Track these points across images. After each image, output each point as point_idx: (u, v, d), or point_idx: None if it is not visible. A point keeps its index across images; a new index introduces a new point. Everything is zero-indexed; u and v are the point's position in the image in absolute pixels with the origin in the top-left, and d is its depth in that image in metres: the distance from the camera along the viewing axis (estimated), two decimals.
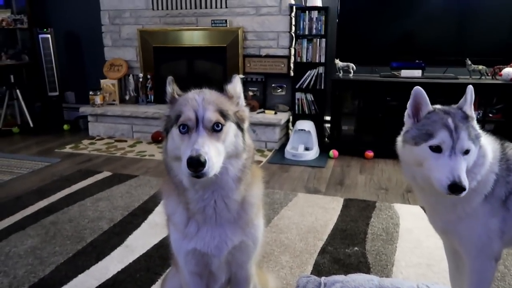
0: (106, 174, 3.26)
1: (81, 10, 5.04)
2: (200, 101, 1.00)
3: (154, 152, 3.92)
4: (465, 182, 1.08)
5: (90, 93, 4.58)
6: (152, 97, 4.66)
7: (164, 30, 4.50)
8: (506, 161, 1.22)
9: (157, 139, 4.24)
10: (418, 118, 1.21)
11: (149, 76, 4.61)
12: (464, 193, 1.09)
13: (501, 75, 3.48)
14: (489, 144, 1.21)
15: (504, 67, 3.48)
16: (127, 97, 4.77)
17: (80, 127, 4.96)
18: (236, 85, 1.11)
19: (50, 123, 4.94)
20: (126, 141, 4.37)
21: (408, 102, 1.22)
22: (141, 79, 4.63)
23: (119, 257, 2.03)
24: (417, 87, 1.21)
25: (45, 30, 4.73)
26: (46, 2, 5.19)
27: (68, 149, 4.05)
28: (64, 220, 2.42)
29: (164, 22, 4.54)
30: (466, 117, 1.16)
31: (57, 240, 2.19)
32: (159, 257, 2.01)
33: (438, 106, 1.21)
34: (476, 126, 1.18)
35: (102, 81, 4.71)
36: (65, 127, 4.91)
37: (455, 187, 1.08)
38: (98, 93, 4.59)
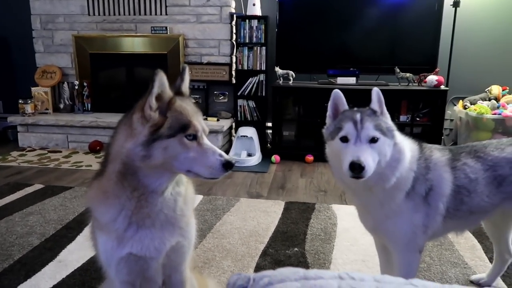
0: (37, 186, 3.07)
1: (10, 13, 4.73)
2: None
3: (91, 162, 3.75)
4: (366, 162, 1.15)
5: (20, 101, 4.30)
6: (89, 105, 4.48)
7: (101, 36, 4.35)
8: (424, 160, 1.33)
9: (95, 148, 4.07)
10: (337, 117, 1.30)
11: (85, 84, 4.42)
12: (365, 174, 1.15)
13: (426, 82, 3.76)
14: (407, 143, 1.30)
15: (429, 75, 3.77)
16: (61, 106, 4.53)
17: (9, 138, 4.62)
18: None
19: None
20: (60, 151, 4.15)
21: (329, 103, 1.31)
22: (77, 87, 4.43)
23: (51, 273, 1.91)
24: (336, 90, 1.32)
25: None
26: None
27: None
28: None
29: (101, 28, 4.39)
30: (374, 113, 1.25)
31: None
32: (95, 270, 1.92)
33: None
34: (388, 121, 1.27)
35: (33, 89, 4.43)
36: None
37: (354, 165, 1.15)
38: (29, 101, 4.32)
